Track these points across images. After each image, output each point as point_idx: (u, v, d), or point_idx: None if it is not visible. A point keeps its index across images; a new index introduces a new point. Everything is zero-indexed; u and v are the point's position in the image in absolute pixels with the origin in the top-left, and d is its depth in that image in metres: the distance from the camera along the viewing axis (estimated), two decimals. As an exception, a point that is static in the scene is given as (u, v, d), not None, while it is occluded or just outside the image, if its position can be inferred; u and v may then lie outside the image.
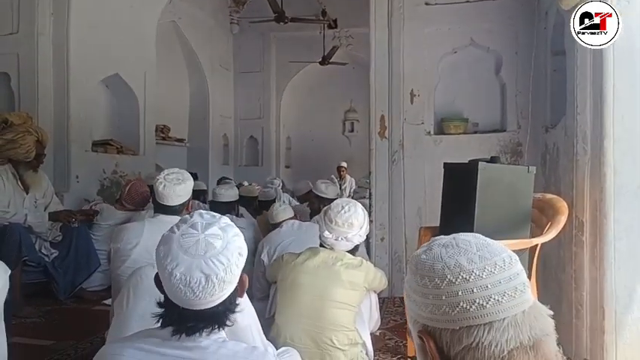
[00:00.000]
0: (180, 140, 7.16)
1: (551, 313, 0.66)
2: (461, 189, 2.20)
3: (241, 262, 1.04)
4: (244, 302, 1.29)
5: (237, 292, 1.06)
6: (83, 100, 4.37)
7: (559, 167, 2.69)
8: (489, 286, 0.62)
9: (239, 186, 4.73)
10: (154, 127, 5.51)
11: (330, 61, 7.73)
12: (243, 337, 1.34)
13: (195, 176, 5.87)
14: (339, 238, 2.02)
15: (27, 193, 3.25)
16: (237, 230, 1.07)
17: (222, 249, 1.00)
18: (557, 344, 0.67)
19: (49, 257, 3.23)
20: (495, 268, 0.63)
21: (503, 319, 0.61)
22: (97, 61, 4.52)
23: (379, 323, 2.46)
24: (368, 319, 2.18)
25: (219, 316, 1.03)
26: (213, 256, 0.99)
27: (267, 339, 1.71)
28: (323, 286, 1.95)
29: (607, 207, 2.04)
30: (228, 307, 1.04)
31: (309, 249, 2.08)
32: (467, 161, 2.27)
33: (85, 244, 3.36)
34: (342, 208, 2.04)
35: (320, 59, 7.79)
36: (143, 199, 3.52)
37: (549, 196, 2.32)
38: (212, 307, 1.01)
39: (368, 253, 3.48)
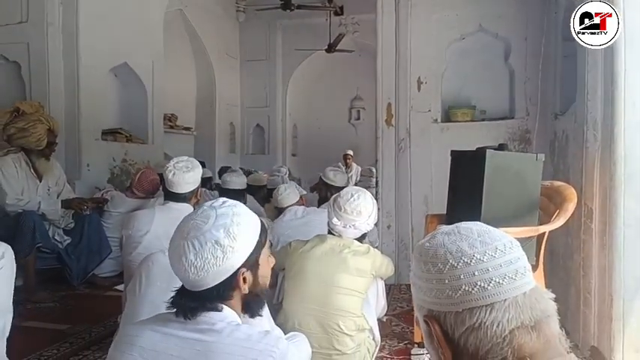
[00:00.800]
0: (188, 129, 7.19)
1: (553, 296, 0.68)
2: (468, 177, 2.19)
3: (219, 252, 1.02)
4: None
5: (231, 283, 1.06)
6: (93, 90, 4.40)
7: (568, 155, 2.68)
8: (490, 269, 0.64)
9: (247, 174, 4.76)
10: (161, 116, 5.54)
11: (337, 48, 7.67)
12: (255, 322, 1.37)
13: (202, 164, 5.92)
14: (347, 226, 2.04)
15: (40, 181, 3.30)
16: (230, 221, 1.05)
17: (200, 234, 1.02)
18: (565, 331, 0.68)
19: (62, 244, 3.29)
20: (496, 252, 0.66)
21: (504, 300, 0.63)
22: (105, 50, 4.54)
23: (386, 309, 2.48)
24: (375, 305, 2.20)
25: (210, 299, 1.05)
26: (190, 239, 1.02)
27: (275, 325, 1.74)
28: (330, 273, 1.97)
29: (617, 195, 2.03)
30: (219, 293, 1.06)
31: (317, 236, 2.10)
32: (474, 149, 2.26)
33: (97, 232, 3.41)
34: (352, 196, 2.06)
35: (326, 47, 7.73)
36: (153, 187, 3.56)
37: (558, 183, 2.31)
38: (204, 290, 1.05)
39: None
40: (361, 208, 2.03)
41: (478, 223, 0.72)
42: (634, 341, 2.04)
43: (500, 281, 0.64)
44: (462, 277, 0.65)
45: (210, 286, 1.04)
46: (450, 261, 0.66)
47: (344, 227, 2.05)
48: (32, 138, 3.18)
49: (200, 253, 1.01)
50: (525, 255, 0.70)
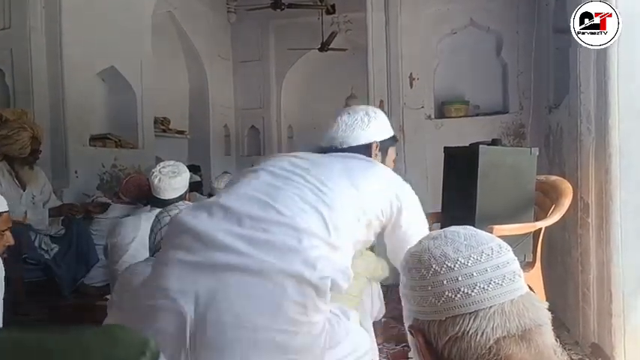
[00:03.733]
0: (181, 132, 7.12)
1: (546, 304, 0.63)
2: (462, 173, 2.16)
3: (365, 119, 1.44)
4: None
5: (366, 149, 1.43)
6: (79, 94, 4.33)
7: (563, 148, 2.64)
8: (475, 274, 0.60)
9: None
10: (152, 120, 5.46)
11: (330, 47, 7.62)
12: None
13: (197, 168, 5.86)
14: None
15: (24, 190, 3.23)
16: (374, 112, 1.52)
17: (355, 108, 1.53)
18: (565, 328, 0.64)
19: (49, 253, 3.22)
20: (482, 256, 0.61)
21: (490, 307, 0.59)
22: (91, 54, 4.46)
23: (383, 311, 2.44)
24: (370, 308, 2.15)
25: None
26: (346, 110, 1.52)
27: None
28: (322, 276, 1.92)
29: (613, 188, 1.99)
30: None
31: None
32: (468, 145, 2.22)
33: (85, 239, 3.35)
34: None
35: (319, 46, 7.68)
36: (140, 192, 3.50)
37: (553, 178, 2.27)
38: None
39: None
40: None
41: (468, 227, 0.68)
42: (635, 337, 1.99)
43: (485, 287, 0.59)
44: (444, 282, 0.61)
45: (352, 145, 1.38)
46: (434, 266, 0.62)
47: None
48: (16, 145, 3.11)
49: (352, 115, 1.43)
50: (517, 260, 0.65)
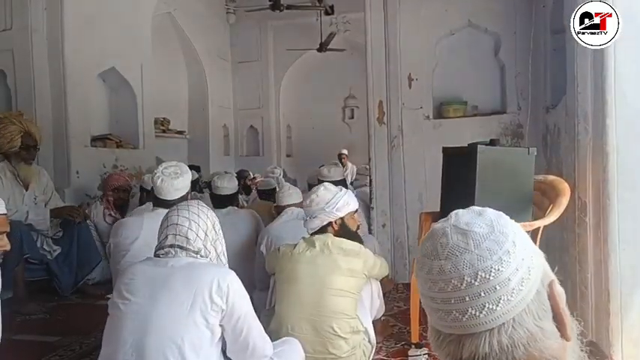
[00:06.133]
0: (181, 132, 7.14)
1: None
2: (460, 173, 2.17)
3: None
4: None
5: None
6: (80, 96, 4.35)
7: (560, 148, 2.66)
8: (498, 288, 0.58)
9: (239, 176, 4.70)
10: (152, 120, 5.49)
11: (328, 47, 7.64)
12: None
13: (197, 169, 5.88)
14: (309, 217, 2.09)
15: (26, 190, 3.24)
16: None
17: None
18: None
19: (51, 254, 3.23)
20: (502, 264, 0.59)
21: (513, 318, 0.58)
22: (92, 55, 4.48)
23: (383, 310, 2.45)
24: (369, 306, 2.17)
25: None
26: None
27: (268, 330, 1.71)
28: (322, 274, 1.94)
29: (610, 187, 2.01)
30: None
31: (303, 239, 2.08)
32: (466, 145, 2.23)
33: (87, 239, 3.36)
34: (312, 190, 2.18)
35: (318, 46, 7.70)
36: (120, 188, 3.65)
37: (551, 177, 2.29)
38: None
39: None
40: (312, 195, 2.08)
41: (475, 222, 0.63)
42: (633, 336, 2.01)
43: (509, 298, 0.58)
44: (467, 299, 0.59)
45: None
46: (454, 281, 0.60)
47: (308, 219, 2.09)
48: (4, 139, 3.13)
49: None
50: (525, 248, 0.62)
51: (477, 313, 0.58)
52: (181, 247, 1.50)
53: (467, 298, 0.58)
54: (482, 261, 0.58)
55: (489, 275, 0.58)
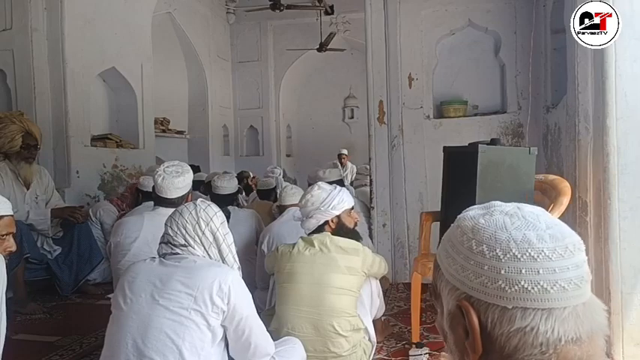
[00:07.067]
0: (181, 132, 7.14)
1: (607, 308, 0.60)
2: (461, 173, 2.17)
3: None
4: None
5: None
6: (80, 95, 4.35)
7: (561, 148, 2.66)
8: (557, 270, 0.56)
9: (240, 175, 4.70)
10: (152, 120, 5.49)
11: (328, 47, 7.64)
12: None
13: (197, 169, 5.88)
14: (305, 217, 2.11)
15: (27, 189, 3.24)
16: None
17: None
18: None
19: (51, 254, 3.23)
20: (565, 251, 0.57)
21: (564, 308, 0.56)
22: (92, 55, 4.48)
23: (383, 309, 2.45)
24: (369, 305, 2.16)
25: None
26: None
27: (269, 330, 1.71)
28: (321, 273, 1.94)
29: (610, 187, 2.01)
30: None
31: (301, 238, 2.08)
32: (467, 144, 2.23)
33: (87, 239, 3.36)
34: (308, 190, 2.19)
35: (318, 46, 7.70)
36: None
37: (552, 177, 2.29)
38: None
39: (371, 238, 3.48)
40: (307, 196, 2.10)
41: (538, 208, 0.63)
42: (634, 335, 2.02)
43: (566, 286, 0.55)
44: (523, 271, 0.56)
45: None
46: (513, 250, 0.56)
47: (304, 219, 2.10)
48: (5, 139, 3.13)
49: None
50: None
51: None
52: (184, 247, 1.50)
53: (522, 271, 0.56)
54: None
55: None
